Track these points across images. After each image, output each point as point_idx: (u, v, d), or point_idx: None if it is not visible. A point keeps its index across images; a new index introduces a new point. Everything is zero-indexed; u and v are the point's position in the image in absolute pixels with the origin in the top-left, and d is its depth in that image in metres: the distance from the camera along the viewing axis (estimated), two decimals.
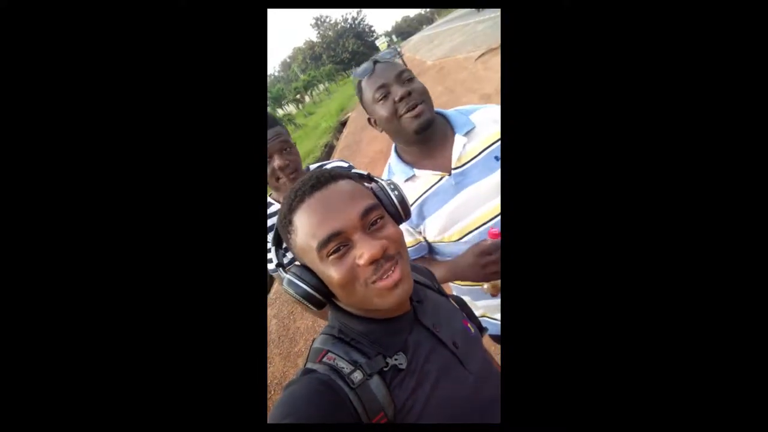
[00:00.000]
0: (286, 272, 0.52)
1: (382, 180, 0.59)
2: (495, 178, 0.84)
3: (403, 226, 0.92)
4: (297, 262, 0.53)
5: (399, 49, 0.91)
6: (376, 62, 0.87)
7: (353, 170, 1.24)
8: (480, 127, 0.88)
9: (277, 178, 1.08)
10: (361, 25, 57.48)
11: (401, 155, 0.94)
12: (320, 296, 0.51)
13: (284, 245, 0.56)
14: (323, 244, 0.47)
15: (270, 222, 1.15)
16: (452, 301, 0.72)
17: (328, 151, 9.32)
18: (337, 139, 10.20)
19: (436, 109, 0.90)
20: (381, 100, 0.84)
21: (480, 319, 0.99)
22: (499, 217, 0.83)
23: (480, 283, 0.88)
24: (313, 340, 0.55)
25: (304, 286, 0.50)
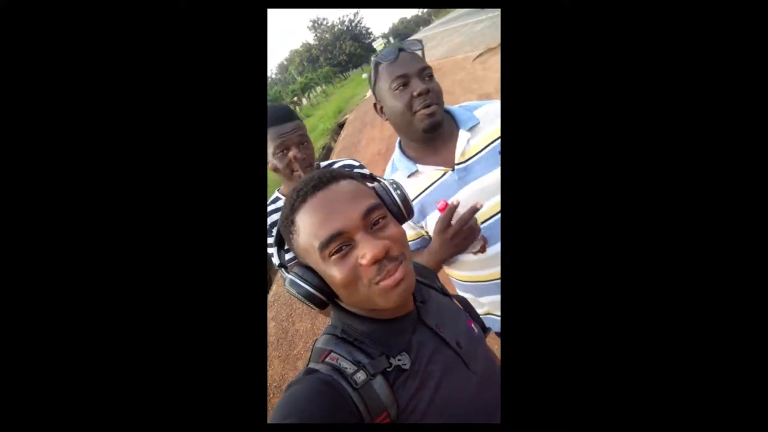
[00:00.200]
0: (288, 272, 0.52)
1: (385, 179, 0.59)
2: (498, 174, 0.84)
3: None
4: (299, 262, 0.53)
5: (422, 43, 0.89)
6: (401, 50, 0.86)
7: (361, 169, 1.24)
8: (484, 122, 0.88)
9: (292, 171, 1.09)
10: (358, 27, 57.59)
11: (405, 150, 0.93)
12: (322, 296, 0.51)
13: (286, 245, 0.55)
14: (325, 244, 0.46)
15: (276, 217, 1.15)
16: (456, 302, 0.71)
17: (326, 153, 9.33)
18: (335, 141, 10.21)
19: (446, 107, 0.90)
20: (398, 89, 0.83)
21: (485, 316, 0.99)
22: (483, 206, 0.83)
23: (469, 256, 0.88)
24: (315, 340, 0.55)
25: (307, 287, 0.50)
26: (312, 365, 0.51)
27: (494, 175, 0.84)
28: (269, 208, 1.15)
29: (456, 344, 0.57)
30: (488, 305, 1.00)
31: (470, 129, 0.87)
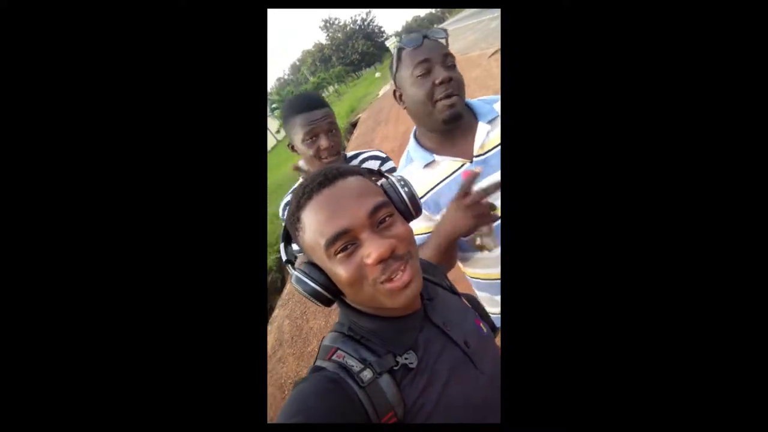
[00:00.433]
0: (294, 269, 0.52)
1: (393, 176, 0.57)
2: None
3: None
4: (306, 259, 0.53)
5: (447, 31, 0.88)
6: (425, 37, 0.84)
7: (386, 161, 1.24)
8: None
9: (320, 158, 1.10)
10: (371, 26, 57.63)
11: (420, 141, 0.91)
12: (329, 294, 0.50)
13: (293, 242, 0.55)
14: (330, 243, 0.46)
15: None
16: (464, 300, 0.70)
17: None
18: (348, 141, 10.25)
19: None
20: (420, 76, 0.81)
21: (500, 315, 0.98)
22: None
23: (474, 241, 0.83)
24: (323, 338, 0.55)
25: (313, 284, 0.50)
26: (319, 363, 0.50)
27: None
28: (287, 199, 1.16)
29: (464, 343, 0.57)
30: None
31: (490, 122, 0.86)
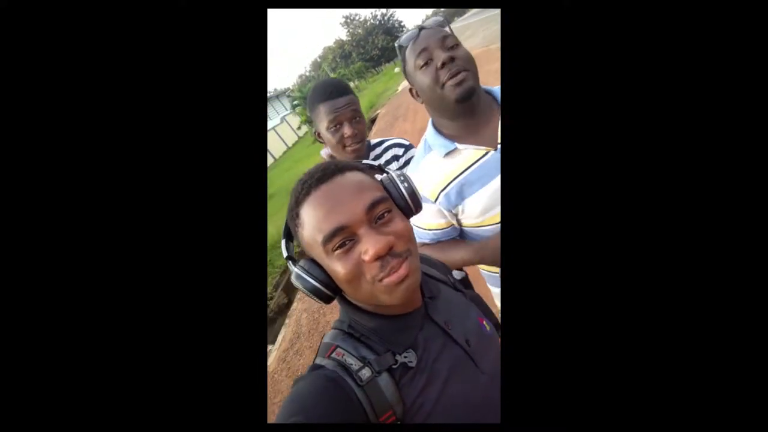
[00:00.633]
0: (295, 266, 0.52)
1: (393, 172, 0.57)
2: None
3: (436, 207, 0.88)
4: (306, 256, 0.52)
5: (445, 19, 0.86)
6: (421, 29, 0.83)
7: (410, 149, 1.23)
8: None
9: (344, 146, 1.10)
10: (391, 21, 57.25)
11: (440, 129, 0.88)
12: (328, 291, 0.50)
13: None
14: (328, 239, 0.46)
15: None
16: (468, 297, 0.69)
17: None
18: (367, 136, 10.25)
19: (482, 86, 0.85)
20: (423, 66, 0.80)
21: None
22: None
23: None
24: (323, 335, 0.55)
25: (312, 281, 0.49)
26: (318, 360, 0.50)
27: None
28: None
29: (465, 342, 0.56)
30: None
31: None
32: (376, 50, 53.80)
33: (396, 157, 1.24)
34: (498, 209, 0.84)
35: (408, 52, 0.84)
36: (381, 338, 0.52)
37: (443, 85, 0.79)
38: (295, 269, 0.51)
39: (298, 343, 3.09)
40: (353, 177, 0.49)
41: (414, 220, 0.95)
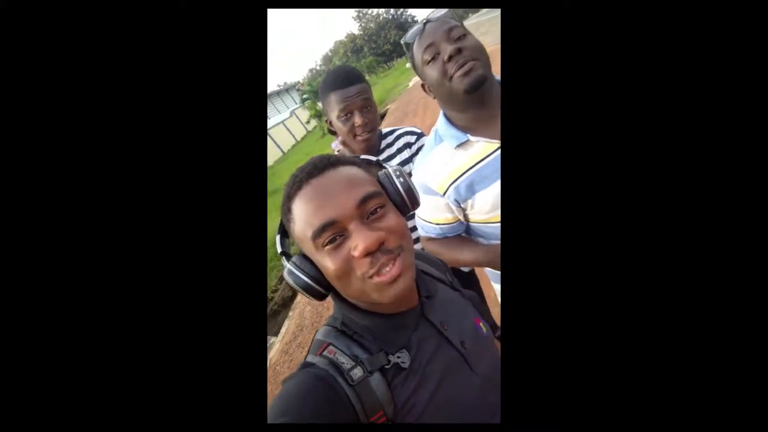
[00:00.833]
0: (287, 262, 0.51)
1: (390, 167, 0.55)
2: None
3: (444, 201, 0.87)
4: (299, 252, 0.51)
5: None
6: (426, 22, 0.81)
7: (421, 137, 1.22)
8: None
9: (355, 135, 1.09)
10: (404, 16, 56.84)
11: (452, 120, 0.86)
12: (320, 288, 0.49)
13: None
14: (318, 234, 0.45)
15: None
16: (465, 297, 0.68)
17: None
18: None
19: (496, 77, 0.83)
20: (430, 61, 0.79)
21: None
22: None
23: None
24: (316, 331, 0.54)
25: (304, 277, 0.49)
26: (309, 358, 0.50)
27: None
28: None
29: (460, 344, 0.55)
30: None
31: None
32: (388, 45, 53.48)
33: (408, 145, 1.21)
34: None
35: (415, 48, 0.82)
36: (374, 337, 0.51)
37: (451, 77, 0.77)
38: (287, 265, 0.51)
39: (300, 336, 3.12)
40: (346, 171, 0.48)
41: (421, 214, 0.95)
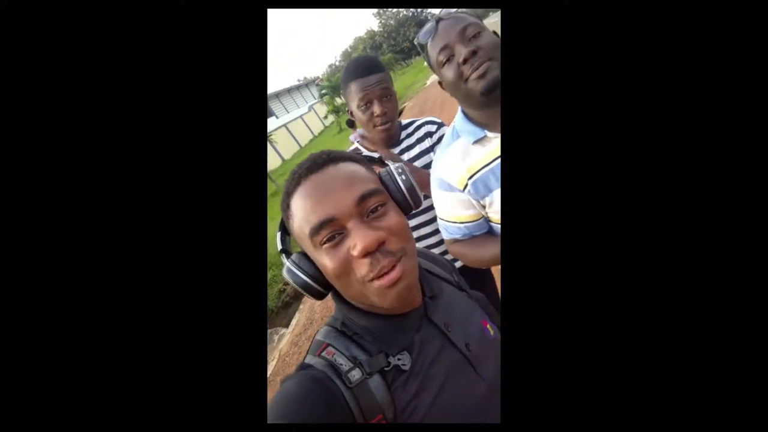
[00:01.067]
0: (287, 259, 0.50)
1: (392, 165, 0.53)
2: None
3: (465, 196, 0.85)
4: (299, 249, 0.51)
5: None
6: (439, 20, 0.79)
7: (441, 127, 1.20)
8: None
9: (374, 125, 1.09)
10: (424, 13, 56.39)
11: (469, 115, 0.85)
12: (319, 287, 0.48)
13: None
14: (315, 231, 0.44)
15: None
16: (473, 298, 0.66)
17: None
18: None
19: None
20: (445, 63, 0.78)
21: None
22: None
23: None
24: (317, 331, 0.53)
25: (302, 276, 0.48)
26: (308, 359, 0.49)
27: None
28: None
29: (465, 346, 0.53)
30: None
31: None
32: (407, 42, 53.18)
33: (429, 134, 1.19)
34: None
35: (429, 48, 0.81)
36: (374, 338, 0.49)
37: (467, 79, 0.76)
38: (286, 263, 0.50)
39: (310, 329, 3.16)
40: (346, 167, 0.47)
41: (442, 215, 0.92)
